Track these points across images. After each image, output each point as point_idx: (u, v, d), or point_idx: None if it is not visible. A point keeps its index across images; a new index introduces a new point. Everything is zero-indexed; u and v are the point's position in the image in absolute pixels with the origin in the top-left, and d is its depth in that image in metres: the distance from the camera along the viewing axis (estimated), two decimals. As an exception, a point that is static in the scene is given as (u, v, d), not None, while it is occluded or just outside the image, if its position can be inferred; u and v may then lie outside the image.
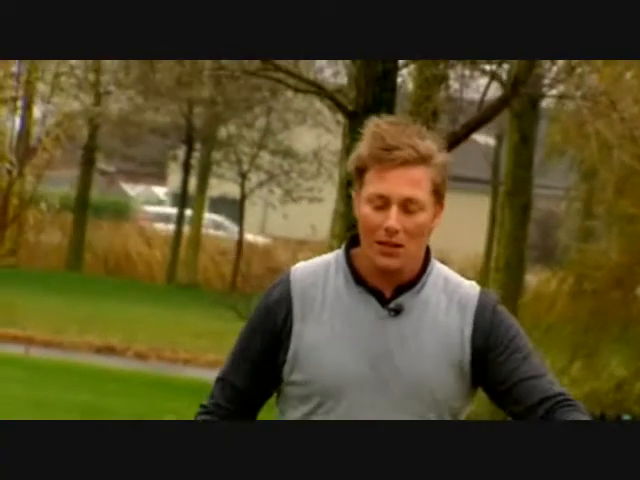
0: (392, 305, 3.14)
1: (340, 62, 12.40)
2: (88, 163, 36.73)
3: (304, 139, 35.76)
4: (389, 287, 3.15)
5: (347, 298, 3.19)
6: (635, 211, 21.34)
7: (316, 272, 3.26)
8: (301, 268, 3.28)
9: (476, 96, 13.44)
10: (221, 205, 47.59)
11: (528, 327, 19.18)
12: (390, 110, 11.04)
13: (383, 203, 3.09)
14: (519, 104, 16.01)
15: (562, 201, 28.79)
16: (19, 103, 10.00)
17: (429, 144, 3.15)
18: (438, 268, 3.29)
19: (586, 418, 3.11)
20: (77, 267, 35.61)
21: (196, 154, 39.55)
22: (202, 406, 3.23)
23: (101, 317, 27.39)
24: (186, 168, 39.10)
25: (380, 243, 3.09)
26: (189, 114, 36.16)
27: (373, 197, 3.10)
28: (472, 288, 3.26)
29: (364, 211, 3.14)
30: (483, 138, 27.09)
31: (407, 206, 3.08)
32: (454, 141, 11.50)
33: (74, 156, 34.56)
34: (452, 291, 3.23)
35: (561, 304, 23.01)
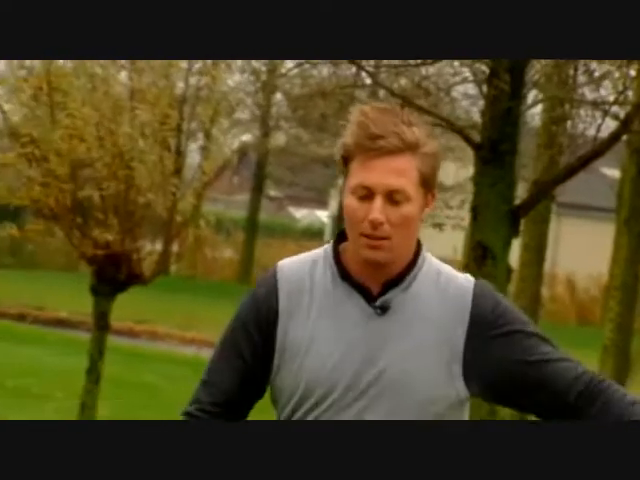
0: (378, 303, 2.86)
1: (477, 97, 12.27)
2: (258, 189, 38.62)
3: (447, 171, 36.22)
4: (376, 283, 2.87)
5: (333, 295, 2.93)
6: None
7: (303, 268, 2.98)
8: (288, 264, 3.01)
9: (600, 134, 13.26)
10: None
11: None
12: (513, 143, 10.72)
13: (367, 194, 2.81)
14: (638, 139, 15.79)
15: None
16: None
17: (416, 131, 2.87)
18: (430, 262, 2.96)
19: (619, 387, 2.87)
20: (246, 280, 37.17)
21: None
22: (186, 414, 2.96)
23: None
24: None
25: (365, 236, 2.82)
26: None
27: (357, 188, 2.83)
28: (466, 281, 2.93)
29: (348, 202, 2.87)
30: (610, 171, 26.69)
31: (392, 197, 2.80)
32: (570, 171, 11.24)
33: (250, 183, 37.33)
34: (445, 285, 2.92)
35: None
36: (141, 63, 9.79)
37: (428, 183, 2.80)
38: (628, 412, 2.72)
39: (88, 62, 9.84)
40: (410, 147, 2.78)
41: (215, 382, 2.91)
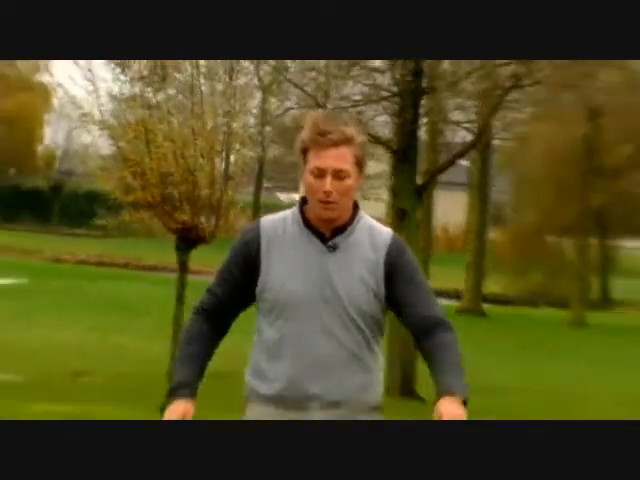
0: (330, 243, 2.99)
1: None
2: (259, 183, 42.61)
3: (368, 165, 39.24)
4: (328, 231, 2.99)
5: (299, 239, 3.02)
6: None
7: (278, 222, 3.09)
8: (267, 219, 3.09)
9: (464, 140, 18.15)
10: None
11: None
12: (415, 150, 14.42)
13: (320, 173, 2.91)
14: (481, 145, 20.67)
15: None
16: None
17: (352, 129, 2.96)
18: (365, 218, 3.08)
19: (453, 338, 2.98)
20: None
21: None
22: (194, 307, 3.15)
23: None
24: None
25: (320, 201, 2.93)
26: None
27: (313, 170, 2.92)
28: (387, 233, 3.07)
29: (308, 180, 2.94)
30: (465, 162, 28.86)
31: (338, 175, 2.92)
32: (446, 165, 15.78)
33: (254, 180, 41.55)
34: (373, 234, 3.05)
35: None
36: (199, 109, 12.26)
37: (360, 164, 2.95)
38: (432, 354, 2.95)
39: (165, 112, 12.34)
40: (348, 140, 2.92)
41: (215, 292, 3.11)
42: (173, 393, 3.05)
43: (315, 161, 2.93)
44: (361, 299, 2.99)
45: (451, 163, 15.56)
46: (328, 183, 2.91)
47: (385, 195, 15.81)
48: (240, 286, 3.06)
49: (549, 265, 31.46)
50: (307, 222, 3.03)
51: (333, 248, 3.00)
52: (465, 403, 2.85)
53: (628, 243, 36.78)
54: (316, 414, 3.07)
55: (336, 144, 2.93)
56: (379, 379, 3.16)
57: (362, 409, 3.12)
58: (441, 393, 2.88)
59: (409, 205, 13.86)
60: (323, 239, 3.01)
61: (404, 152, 14.04)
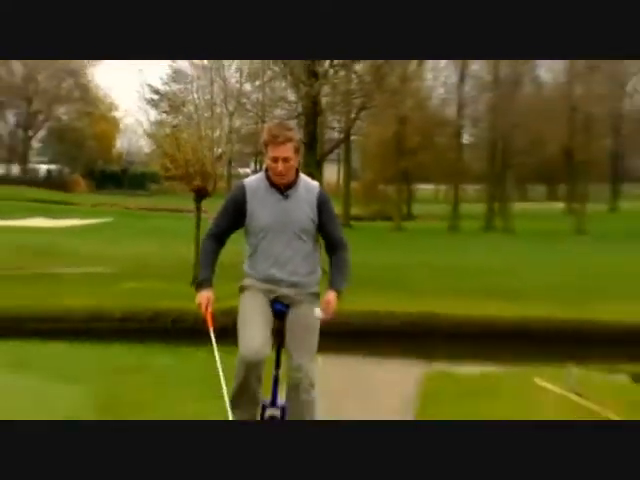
0: (285, 194, 4.00)
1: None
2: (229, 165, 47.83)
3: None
4: (283, 187, 4.05)
5: (268, 192, 4.06)
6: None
7: (254, 182, 4.08)
8: (248, 180, 4.09)
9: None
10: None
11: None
12: (315, 142, 22.03)
13: (275, 160, 3.92)
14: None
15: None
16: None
17: (292, 132, 3.92)
18: (302, 177, 4.10)
19: (346, 254, 4.13)
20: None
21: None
22: (205, 232, 4.17)
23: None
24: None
25: (276, 175, 4.02)
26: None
27: (271, 158, 3.93)
28: (316, 184, 4.15)
29: (269, 163, 3.99)
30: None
31: (285, 160, 3.94)
32: (329, 151, 25.28)
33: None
34: (307, 186, 4.08)
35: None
36: (200, 126, 18.14)
37: (297, 151, 3.96)
38: (332, 264, 4.33)
39: (183, 127, 18.70)
40: (290, 139, 3.92)
41: (217, 223, 4.26)
42: (199, 286, 4.31)
43: (272, 153, 4.04)
44: (305, 223, 4.25)
45: (332, 150, 26.57)
46: (280, 165, 4.01)
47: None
48: (232, 219, 4.25)
49: (381, 199, 50.92)
50: (271, 182, 4.15)
51: (287, 196, 4.13)
52: (340, 293, 4.20)
53: (421, 186, 62.83)
54: (284, 290, 4.35)
55: (284, 142, 4.03)
56: (317, 268, 4.45)
57: (310, 286, 4.41)
58: (328, 288, 4.21)
59: (314, 171, 20.72)
60: (281, 192, 4.15)
61: (310, 144, 21.48)
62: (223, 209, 4.41)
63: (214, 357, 4.15)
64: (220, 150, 18.99)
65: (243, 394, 4.20)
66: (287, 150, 4.23)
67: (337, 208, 4.74)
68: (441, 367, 9.52)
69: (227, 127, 20.04)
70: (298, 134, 4.25)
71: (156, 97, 28.40)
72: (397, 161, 44.38)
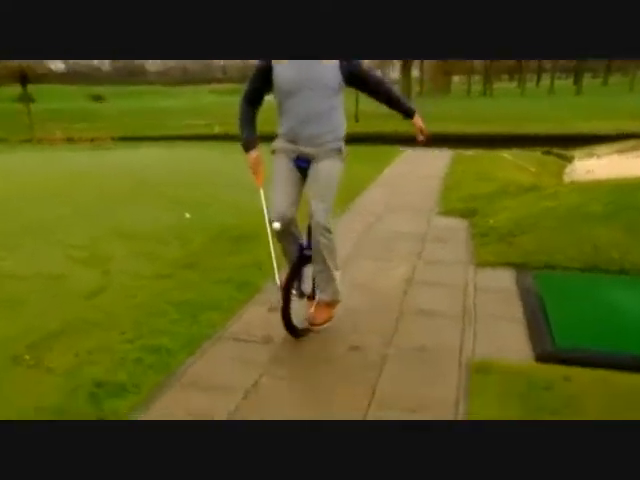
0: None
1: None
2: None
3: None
4: None
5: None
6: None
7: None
8: (275, 62, 4.28)
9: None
10: None
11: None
12: None
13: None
14: None
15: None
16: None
17: None
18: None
19: (392, 86, 4.44)
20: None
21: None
22: (240, 97, 4.44)
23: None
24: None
25: None
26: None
27: None
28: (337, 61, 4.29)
29: None
30: None
31: None
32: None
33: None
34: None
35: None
36: None
37: None
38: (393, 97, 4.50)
39: None
40: None
41: (250, 87, 4.49)
42: (247, 146, 4.58)
43: None
44: (328, 79, 4.35)
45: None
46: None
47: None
48: (262, 82, 4.44)
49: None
50: None
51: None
52: (415, 113, 4.60)
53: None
54: (304, 147, 4.53)
55: None
56: (340, 125, 4.58)
57: (331, 142, 4.56)
58: (404, 118, 4.61)
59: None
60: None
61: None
62: (253, 76, 4.49)
63: (263, 215, 4.49)
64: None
65: (282, 241, 4.66)
66: None
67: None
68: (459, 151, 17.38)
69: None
70: None
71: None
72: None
